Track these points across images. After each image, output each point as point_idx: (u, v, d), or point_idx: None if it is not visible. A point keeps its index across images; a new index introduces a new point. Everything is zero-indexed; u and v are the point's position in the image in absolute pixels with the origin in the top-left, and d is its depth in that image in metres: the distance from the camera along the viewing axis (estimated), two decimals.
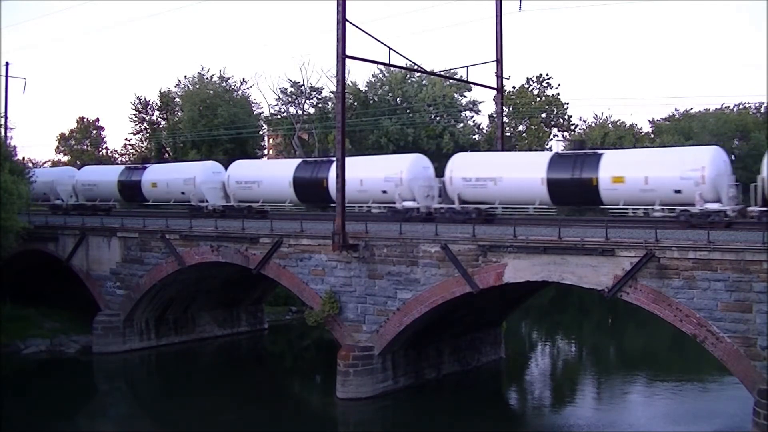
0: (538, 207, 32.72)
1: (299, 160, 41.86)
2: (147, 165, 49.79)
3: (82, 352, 39.66)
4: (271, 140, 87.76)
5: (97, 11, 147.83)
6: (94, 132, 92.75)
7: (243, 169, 43.09)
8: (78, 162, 73.73)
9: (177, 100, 73.92)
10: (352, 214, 35.54)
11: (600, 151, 32.19)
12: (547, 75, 78.94)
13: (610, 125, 77.00)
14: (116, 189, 48.38)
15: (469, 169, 33.87)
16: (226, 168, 43.78)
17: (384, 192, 36.08)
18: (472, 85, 54.96)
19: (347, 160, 31.24)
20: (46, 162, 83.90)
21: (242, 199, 41.78)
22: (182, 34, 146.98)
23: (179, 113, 73.11)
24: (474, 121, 76.09)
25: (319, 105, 72.94)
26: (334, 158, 33.70)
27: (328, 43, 47.37)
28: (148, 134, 76.60)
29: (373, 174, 36.42)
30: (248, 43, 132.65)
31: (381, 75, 71.11)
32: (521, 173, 32.66)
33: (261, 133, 77.82)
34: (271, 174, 41.64)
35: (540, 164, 32.16)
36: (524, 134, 77.68)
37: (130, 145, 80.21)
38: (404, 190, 35.38)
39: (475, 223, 30.25)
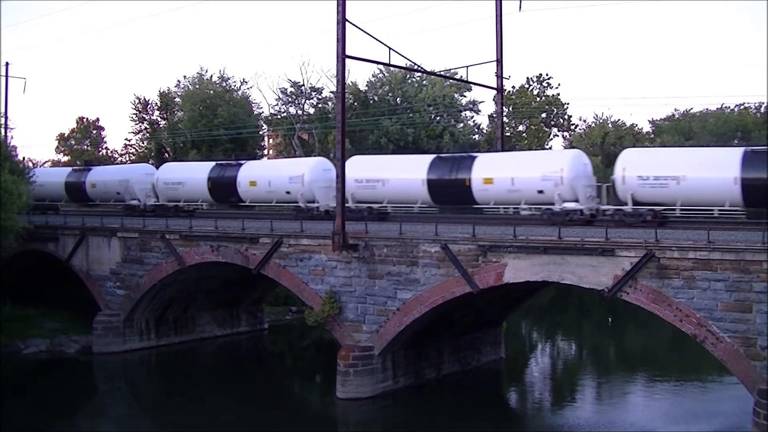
0: (421, 206, 35.09)
1: (214, 163, 44.62)
2: (90, 167, 51.96)
3: (82, 352, 39.66)
4: (271, 140, 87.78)
5: (97, 11, 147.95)
6: (94, 132, 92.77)
7: (170, 171, 46.57)
8: (78, 161, 73.81)
9: (177, 100, 73.92)
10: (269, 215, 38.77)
11: (474, 154, 34.57)
12: (547, 75, 79.03)
13: (610, 125, 77.01)
14: (63, 189, 50.73)
15: (361, 171, 35.94)
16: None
17: (288, 192, 39.16)
18: (472, 85, 54.93)
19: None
20: (46, 162, 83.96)
21: (170, 199, 44.50)
22: (182, 34, 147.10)
23: (179, 113, 73.10)
24: (474, 121, 76.14)
25: (319, 105, 72.91)
26: (244, 161, 41.72)
27: (328, 43, 47.44)
28: (148, 134, 76.61)
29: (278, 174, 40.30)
30: (248, 43, 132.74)
31: (381, 75, 71.08)
32: (405, 175, 35.28)
33: (261, 133, 77.82)
34: (192, 176, 44.04)
35: (422, 166, 34.85)
36: (524, 134, 77.68)
37: (130, 145, 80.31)
38: (306, 191, 38.30)
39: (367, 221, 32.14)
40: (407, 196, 35.15)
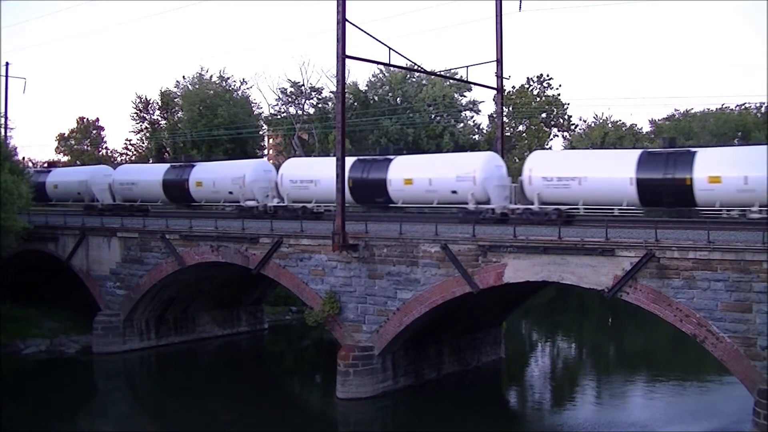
0: (350, 204, 36.49)
1: (168, 165, 47.59)
2: (51, 169, 54.52)
3: (82, 352, 39.66)
4: (271, 140, 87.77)
5: (97, 11, 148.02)
6: (94, 132, 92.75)
7: (125, 173, 48.95)
8: (78, 162, 73.92)
9: (177, 100, 73.91)
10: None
11: (391, 157, 36.76)
12: (547, 75, 78.95)
13: (610, 125, 76.96)
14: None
15: (294, 172, 39.71)
16: None
17: (230, 192, 42.23)
18: (472, 85, 54.92)
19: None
20: (46, 162, 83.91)
21: (126, 199, 47.16)
22: (182, 34, 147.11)
23: (179, 113, 73.08)
24: (474, 121, 76.07)
25: (319, 105, 72.88)
26: (196, 163, 45.24)
27: (328, 43, 47.38)
28: (148, 134, 76.61)
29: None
30: (248, 43, 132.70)
31: (381, 75, 71.06)
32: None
33: (261, 133, 77.82)
34: (145, 177, 46.83)
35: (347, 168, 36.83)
36: (524, 134, 77.64)
37: (130, 145, 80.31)
38: (247, 191, 40.91)
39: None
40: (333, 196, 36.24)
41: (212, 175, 43.26)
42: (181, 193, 44.42)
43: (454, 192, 33.44)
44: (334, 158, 31.50)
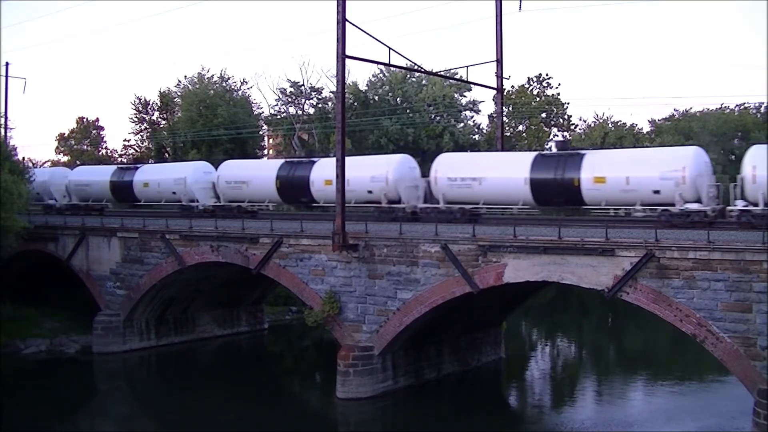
0: (270, 203, 41.26)
1: (115, 167, 51.52)
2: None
3: (82, 352, 39.68)
4: (271, 140, 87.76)
5: (97, 11, 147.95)
6: (94, 132, 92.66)
7: (81, 173, 51.94)
8: (78, 162, 73.91)
9: (177, 100, 73.92)
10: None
11: (314, 159, 40.12)
12: (547, 75, 78.89)
13: (610, 125, 76.92)
14: None
15: (229, 173, 42.62)
16: None
17: (173, 193, 44.77)
18: (472, 85, 54.94)
19: None
20: (45, 162, 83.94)
21: (81, 198, 49.71)
22: (182, 34, 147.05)
23: (179, 113, 73.09)
24: (474, 121, 76.06)
25: (319, 105, 72.90)
26: (139, 165, 48.60)
27: (328, 43, 47.45)
28: (148, 134, 76.61)
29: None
30: (248, 43, 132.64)
31: (381, 75, 71.07)
32: (263, 173, 41.47)
33: (261, 133, 77.84)
34: (96, 178, 49.68)
35: (273, 168, 40.99)
36: (524, 134, 77.61)
37: (129, 145, 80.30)
38: (188, 191, 43.57)
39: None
40: (262, 195, 41.01)
41: (157, 177, 46.16)
42: (128, 194, 47.46)
43: (369, 192, 35.80)
44: (262, 162, 33.56)
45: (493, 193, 32.54)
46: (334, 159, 41.36)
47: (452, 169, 34.12)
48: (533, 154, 33.60)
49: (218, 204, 42.38)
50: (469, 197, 33.23)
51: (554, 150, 33.47)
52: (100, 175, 49.70)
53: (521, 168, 31.92)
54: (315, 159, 40.18)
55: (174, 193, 44.22)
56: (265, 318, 46.42)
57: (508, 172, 32.39)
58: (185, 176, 43.68)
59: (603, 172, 29.97)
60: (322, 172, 37.47)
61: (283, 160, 41.43)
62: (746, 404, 23.54)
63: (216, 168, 44.13)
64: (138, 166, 49.14)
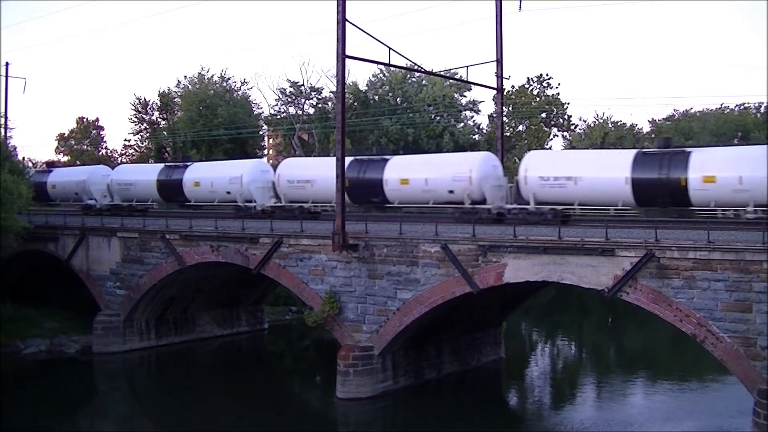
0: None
1: (162, 165, 48.93)
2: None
3: (82, 352, 39.66)
4: (271, 140, 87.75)
5: (97, 11, 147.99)
6: (94, 132, 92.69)
7: (124, 172, 50.04)
8: (78, 161, 73.89)
9: (177, 100, 73.93)
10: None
11: (387, 157, 37.96)
12: (547, 75, 78.94)
13: (610, 125, 76.96)
14: None
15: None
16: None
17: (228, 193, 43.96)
18: (472, 85, 54.92)
19: None
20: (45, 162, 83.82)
21: (124, 198, 47.40)
22: (182, 34, 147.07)
23: (179, 113, 73.11)
24: (474, 121, 76.08)
25: (319, 105, 72.90)
26: (189, 163, 46.15)
27: (328, 43, 47.37)
28: (147, 134, 76.62)
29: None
30: (248, 43, 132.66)
31: (381, 75, 71.06)
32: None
33: (261, 133, 77.84)
34: (141, 177, 47.45)
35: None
36: (524, 134, 77.62)
37: (129, 145, 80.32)
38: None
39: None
40: (328, 195, 39.24)
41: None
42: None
43: (451, 192, 33.86)
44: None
45: (589, 193, 30.57)
46: (409, 156, 41.99)
47: (544, 167, 31.91)
48: (633, 152, 31.50)
49: (278, 204, 39.73)
50: (562, 197, 31.11)
51: (656, 148, 31.02)
52: (145, 174, 46.96)
53: (621, 167, 29.82)
54: (387, 157, 37.47)
55: (228, 192, 41.44)
56: (265, 318, 46.40)
57: (606, 172, 30.28)
58: (241, 174, 40.87)
59: (713, 171, 28.01)
60: (397, 171, 35.46)
61: (351, 158, 37.66)
62: (746, 404, 23.54)
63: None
64: (188, 163, 45.90)
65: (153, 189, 45.46)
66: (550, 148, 74.79)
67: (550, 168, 31.78)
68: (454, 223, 31.79)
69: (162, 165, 47.81)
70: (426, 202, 34.76)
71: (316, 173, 38.04)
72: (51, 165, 59.56)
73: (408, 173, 35.18)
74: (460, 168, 33.53)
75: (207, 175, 43.27)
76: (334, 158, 31.46)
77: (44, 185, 50.27)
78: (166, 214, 42.51)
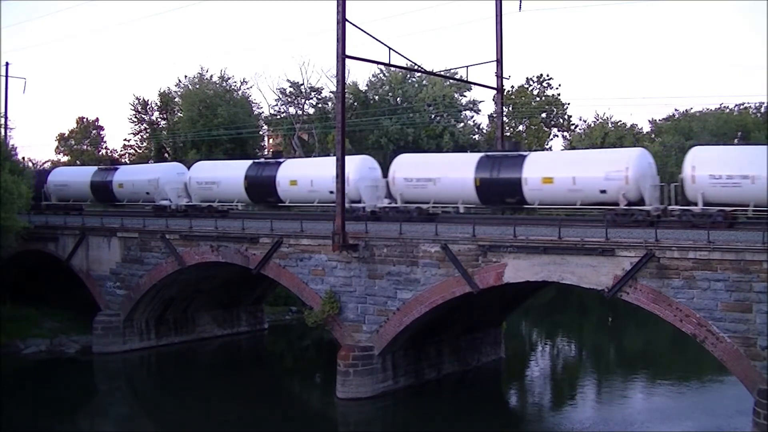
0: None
1: (251, 161, 47.83)
2: None
3: (82, 352, 39.67)
4: (271, 140, 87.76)
5: (97, 11, 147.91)
6: (94, 132, 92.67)
7: (205, 169, 46.37)
8: (78, 161, 73.87)
9: (177, 100, 73.94)
10: None
11: (523, 153, 36.56)
12: (547, 75, 78.90)
13: (610, 125, 76.93)
14: None
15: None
16: None
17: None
18: (472, 85, 54.94)
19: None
20: (45, 162, 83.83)
21: (205, 199, 44.06)
22: (182, 34, 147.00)
23: (179, 113, 73.12)
24: (474, 120, 76.07)
25: (319, 105, 72.91)
26: (282, 159, 43.20)
27: (328, 43, 47.32)
28: (147, 134, 76.60)
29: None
30: (248, 43, 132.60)
31: (381, 75, 71.07)
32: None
33: (261, 133, 77.84)
34: (227, 174, 44.85)
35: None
36: (524, 134, 77.62)
37: (129, 145, 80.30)
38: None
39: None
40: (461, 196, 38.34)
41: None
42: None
43: (603, 191, 30.76)
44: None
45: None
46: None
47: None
48: (479, 155, 33.20)
49: (393, 205, 35.84)
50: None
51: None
52: (231, 171, 42.61)
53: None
54: (524, 153, 34.02)
55: (332, 192, 33.61)
56: (265, 318, 46.41)
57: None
58: (348, 172, 34.30)
59: (548, 172, 31.11)
60: (536, 168, 32.16)
61: (481, 155, 34.89)
62: (746, 404, 23.55)
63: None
64: (280, 159, 41.69)
65: (240, 188, 41.53)
66: (550, 149, 74.82)
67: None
68: (455, 224, 31.88)
69: (250, 161, 43.38)
70: (572, 203, 31.79)
71: (439, 172, 34.96)
72: (115, 162, 56.49)
73: (551, 172, 32.03)
74: (615, 165, 30.61)
75: (306, 173, 39.28)
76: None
77: (109, 184, 47.59)
78: (249, 215, 42.36)
